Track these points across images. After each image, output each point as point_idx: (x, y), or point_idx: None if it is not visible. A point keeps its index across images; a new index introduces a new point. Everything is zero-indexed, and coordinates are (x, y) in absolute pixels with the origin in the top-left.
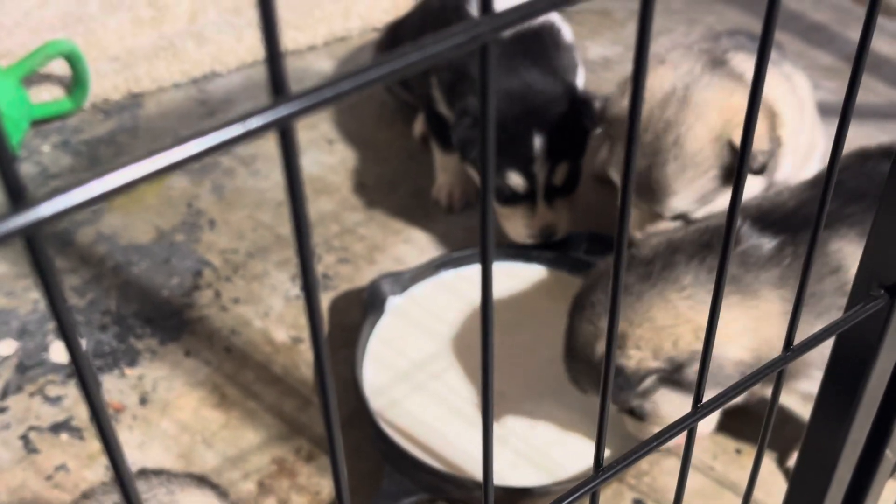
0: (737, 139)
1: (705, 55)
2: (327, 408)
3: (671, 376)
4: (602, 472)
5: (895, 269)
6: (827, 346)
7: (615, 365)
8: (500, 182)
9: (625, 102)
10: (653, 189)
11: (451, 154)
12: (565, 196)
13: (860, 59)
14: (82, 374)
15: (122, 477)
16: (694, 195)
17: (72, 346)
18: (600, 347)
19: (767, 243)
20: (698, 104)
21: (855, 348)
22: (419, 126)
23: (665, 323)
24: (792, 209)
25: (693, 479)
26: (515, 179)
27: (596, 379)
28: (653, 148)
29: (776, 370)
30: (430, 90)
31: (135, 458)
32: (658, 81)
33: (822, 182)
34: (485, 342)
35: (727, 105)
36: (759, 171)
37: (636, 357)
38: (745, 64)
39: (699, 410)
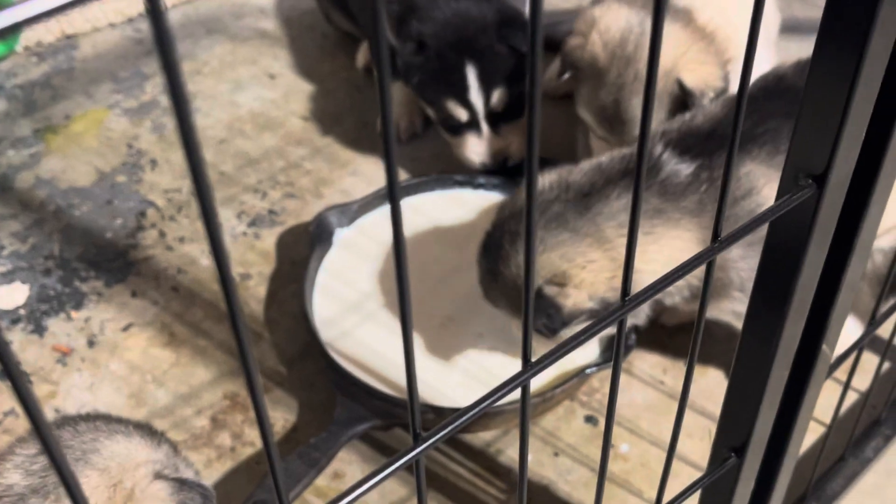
0: (686, 78)
1: None
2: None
3: (598, 314)
4: (531, 366)
5: (822, 159)
6: (744, 267)
7: (553, 302)
8: (443, 113)
9: (590, 47)
10: (622, 121)
11: (396, 83)
12: (511, 121)
13: None
14: None
15: (37, 424)
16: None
17: None
18: (539, 279)
19: (685, 170)
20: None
21: (786, 240)
22: (362, 56)
23: (604, 265)
24: (707, 132)
25: (643, 392)
26: (455, 109)
27: (519, 304)
28: (617, 84)
29: (704, 262)
30: None
31: (85, 399)
32: (613, 20)
33: (735, 102)
34: (399, 265)
35: (679, 39)
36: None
37: (574, 297)
38: None
39: (627, 303)
